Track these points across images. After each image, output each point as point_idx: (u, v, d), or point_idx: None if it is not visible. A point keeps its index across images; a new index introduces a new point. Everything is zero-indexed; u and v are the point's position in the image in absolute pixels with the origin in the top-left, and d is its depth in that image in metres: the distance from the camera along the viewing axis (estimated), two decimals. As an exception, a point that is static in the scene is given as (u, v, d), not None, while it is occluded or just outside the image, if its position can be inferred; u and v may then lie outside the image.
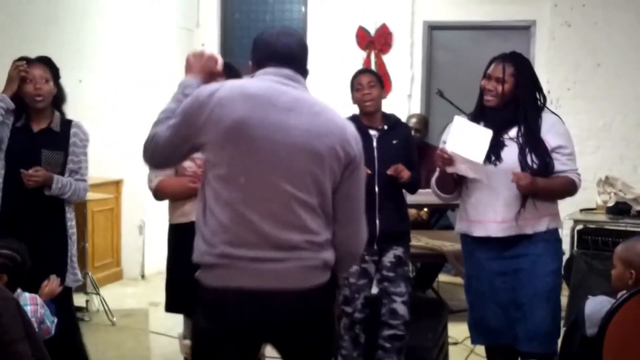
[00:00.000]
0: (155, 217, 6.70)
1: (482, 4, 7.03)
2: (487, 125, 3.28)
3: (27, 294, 3.08)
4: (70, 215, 3.72)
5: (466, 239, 3.44)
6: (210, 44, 7.73)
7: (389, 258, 3.85)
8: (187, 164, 3.39)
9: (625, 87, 6.67)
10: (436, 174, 3.48)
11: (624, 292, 2.80)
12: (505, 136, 3.27)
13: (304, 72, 2.36)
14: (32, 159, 3.54)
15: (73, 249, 3.72)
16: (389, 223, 3.80)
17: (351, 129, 2.32)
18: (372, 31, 7.26)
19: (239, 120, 2.18)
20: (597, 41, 6.72)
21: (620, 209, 5.24)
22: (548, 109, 3.37)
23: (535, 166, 3.19)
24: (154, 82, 6.80)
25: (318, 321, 2.31)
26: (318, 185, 2.22)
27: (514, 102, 3.26)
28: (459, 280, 5.73)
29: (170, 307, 3.59)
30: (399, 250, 3.87)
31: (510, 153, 3.23)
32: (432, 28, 7.31)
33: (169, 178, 3.49)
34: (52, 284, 3.28)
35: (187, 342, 3.41)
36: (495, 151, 3.24)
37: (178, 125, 2.30)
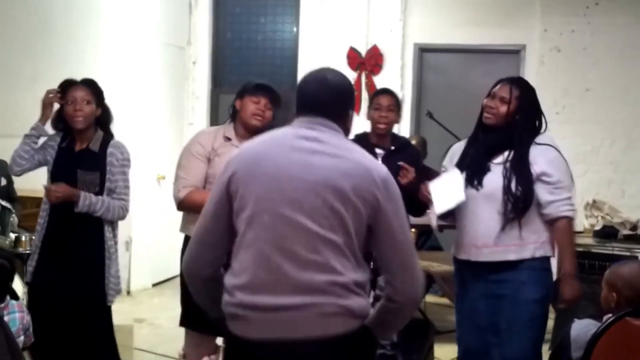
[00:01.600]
0: (142, 233, 6.69)
1: (473, 27, 7.08)
2: (476, 149, 3.31)
3: (14, 302, 3.07)
4: (110, 235, 3.73)
5: (455, 259, 3.45)
6: (201, 62, 7.76)
7: (383, 279, 3.83)
8: (212, 172, 3.45)
9: (614, 112, 6.73)
10: None
11: (610, 315, 2.80)
12: (493, 161, 3.27)
13: (337, 117, 2.31)
14: (68, 179, 3.60)
15: (113, 267, 3.72)
16: None
17: (380, 172, 2.23)
18: (363, 52, 7.30)
19: (262, 163, 2.20)
20: (585, 66, 6.78)
21: (607, 233, 5.26)
22: (537, 142, 3.29)
23: (518, 194, 3.16)
24: (144, 98, 6.81)
25: None
26: (343, 223, 2.16)
27: (512, 126, 3.25)
28: (446, 301, 5.74)
29: (184, 322, 3.61)
30: None
31: (494, 178, 3.22)
32: (423, 50, 7.36)
33: (198, 190, 3.48)
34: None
35: None
36: (478, 176, 3.24)
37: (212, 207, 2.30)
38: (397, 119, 3.99)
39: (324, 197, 2.14)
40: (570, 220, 3.23)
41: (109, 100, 6.52)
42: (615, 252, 5.00)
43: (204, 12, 7.74)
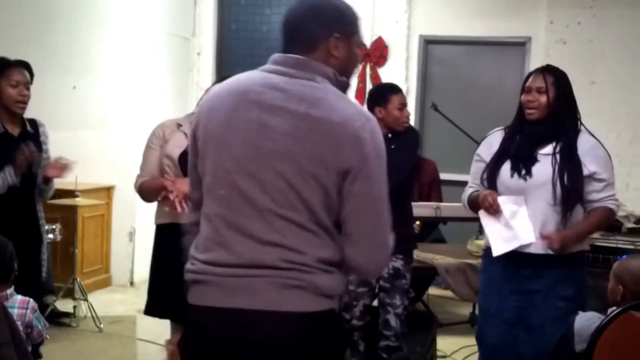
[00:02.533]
0: (146, 224, 6.67)
1: (478, 19, 7.05)
2: (522, 139, 3.23)
3: (18, 297, 3.06)
4: (42, 214, 3.88)
5: (488, 252, 3.33)
6: (206, 53, 7.76)
7: (387, 270, 3.83)
8: (167, 162, 3.48)
9: (619, 105, 6.70)
10: (467, 191, 3.41)
11: (614, 308, 2.79)
12: (540, 152, 3.20)
13: (315, 45, 1.95)
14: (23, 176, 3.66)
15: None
16: None
17: (353, 130, 1.86)
18: (368, 44, 7.28)
19: (220, 123, 1.94)
20: (591, 59, 6.75)
21: (611, 226, 5.23)
22: (585, 130, 3.27)
23: (569, 185, 3.11)
24: (148, 89, 6.81)
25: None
26: (302, 199, 1.87)
27: (554, 115, 3.20)
28: (449, 293, 5.74)
29: (148, 310, 3.61)
30: (397, 262, 3.84)
31: (543, 169, 3.16)
32: (428, 42, 7.33)
33: (147, 179, 3.54)
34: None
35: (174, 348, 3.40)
36: (526, 166, 3.18)
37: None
38: None
39: (278, 169, 1.85)
40: (611, 211, 3.21)
41: (114, 91, 6.57)
42: (620, 246, 4.98)
43: (208, 3, 7.73)
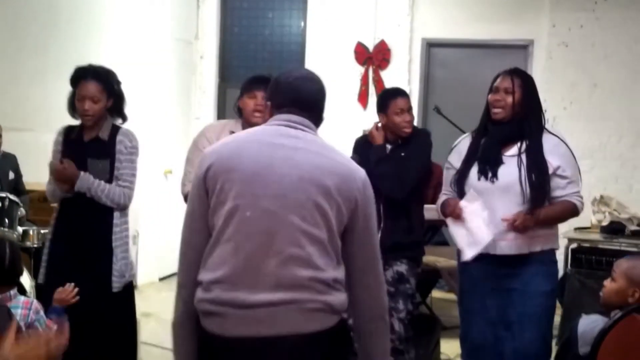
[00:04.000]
0: (149, 227, 6.71)
1: (481, 22, 7.07)
2: (487, 142, 3.30)
3: (22, 297, 3.06)
4: (118, 221, 3.71)
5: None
6: (209, 56, 7.77)
7: (390, 273, 3.82)
8: None
9: (621, 108, 6.71)
10: (441, 199, 3.49)
11: (617, 311, 2.79)
12: (506, 154, 3.26)
13: (318, 119, 2.31)
14: (80, 168, 3.60)
15: (119, 253, 3.69)
16: (391, 235, 3.74)
17: (360, 174, 2.24)
18: (371, 47, 7.29)
19: (243, 157, 2.14)
20: (593, 62, 6.76)
21: (614, 229, 5.25)
22: (548, 130, 3.33)
23: (536, 184, 3.16)
24: (152, 93, 6.82)
25: None
26: (326, 219, 2.12)
27: (520, 116, 3.25)
28: (452, 296, 5.74)
29: None
30: (402, 267, 3.82)
31: (509, 171, 3.21)
32: (431, 45, 7.34)
33: None
34: (62, 293, 3.22)
35: None
36: (492, 168, 3.24)
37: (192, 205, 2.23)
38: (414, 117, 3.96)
39: (308, 192, 2.10)
40: (574, 206, 3.25)
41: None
42: (623, 248, 4.99)
43: (211, 6, 7.75)
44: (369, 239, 2.24)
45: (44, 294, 3.67)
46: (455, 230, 3.35)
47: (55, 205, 3.77)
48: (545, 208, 3.20)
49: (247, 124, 3.53)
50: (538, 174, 3.18)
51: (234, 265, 2.08)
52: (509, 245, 3.22)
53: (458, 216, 3.30)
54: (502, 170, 3.23)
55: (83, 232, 3.63)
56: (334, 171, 2.16)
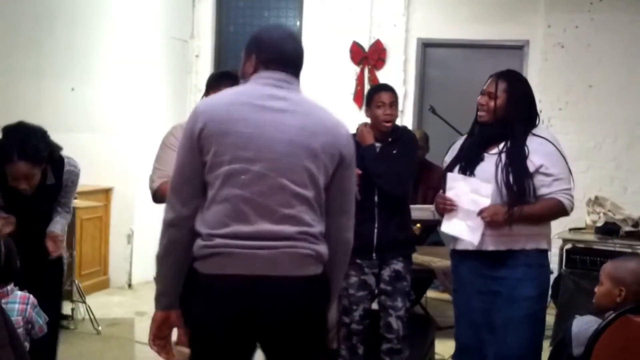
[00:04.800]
0: (144, 226, 6.69)
1: (476, 23, 7.07)
2: (471, 142, 3.32)
3: (19, 292, 3.07)
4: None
5: (453, 253, 3.43)
6: (204, 55, 7.76)
7: (387, 272, 3.84)
8: None
9: (616, 109, 6.72)
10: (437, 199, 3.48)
11: (611, 312, 2.80)
12: (488, 152, 3.27)
13: (299, 74, 2.45)
14: (32, 215, 3.54)
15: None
16: (387, 232, 3.78)
17: (344, 128, 2.43)
18: (366, 47, 7.29)
19: (235, 121, 2.27)
20: (589, 63, 6.77)
21: (609, 229, 5.25)
22: (533, 133, 3.28)
23: (511, 182, 3.15)
24: (147, 91, 6.81)
25: (309, 317, 2.33)
26: (313, 180, 2.31)
27: (504, 119, 3.25)
28: (447, 296, 5.73)
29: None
30: (398, 265, 3.84)
31: (486, 167, 3.22)
32: (426, 45, 7.34)
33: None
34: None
35: (182, 349, 3.41)
36: (471, 166, 3.26)
37: (182, 160, 2.35)
38: (397, 114, 3.94)
39: (297, 155, 2.29)
40: (560, 204, 3.18)
41: (112, 93, 6.56)
42: (617, 249, 5.00)
43: (207, 5, 7.74)
44: (349, 186, 2.45)
45: None
46: (452, 227, 3.31)
47: None
48: (525, 205, 3.15)
49: None
50: (515, 171, 3.15)
51: (232, 225, 2.26)
52: (485, 241, 3.20)
53: (451, 209, 3.29)
54: (480, 167, 3.24)
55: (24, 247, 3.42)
56: (321, 131, 2.34)
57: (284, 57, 2.40)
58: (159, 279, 2.42)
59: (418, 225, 5.87)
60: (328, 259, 2.38)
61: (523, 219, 3.15)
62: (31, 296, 3.09)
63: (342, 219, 2.45)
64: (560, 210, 3.21)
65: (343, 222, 2.45)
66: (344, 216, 2.45)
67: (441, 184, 3.43)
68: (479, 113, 3.33)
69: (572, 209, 3.24)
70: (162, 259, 2.39)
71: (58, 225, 3.66)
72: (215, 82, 3.54)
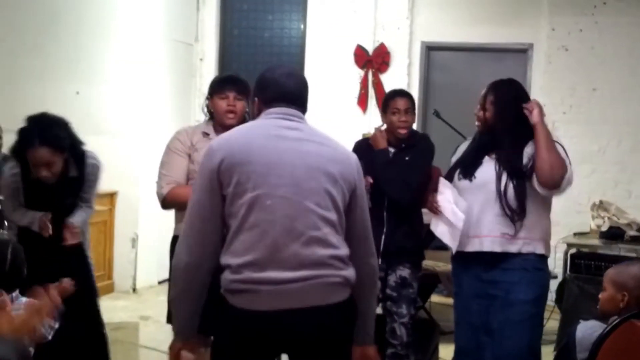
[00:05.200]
0: (148, 230, 6.70)
1: (480, 26, 7.07)
2: (471, 147, 3.39)
3: (23, 299, 3.05)
4: (87, 235, 3.82)
5: (453, 256, 3.45)
6: (208, 59, 7.77)
7: (394, 278, 3.84)
8: (193, 167, 3.38)
9: (621, 112, 6.71)
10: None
11: (616, 317, 2.79)
12: (486, 157, 3.31)
13: (305, 109, 2.52)
14: (50, 208, 3.57)
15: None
16: (394, 238, 3.78)
17: (354, 158, 2.51)
18: (370, 50, 7.30)
19: (254, 151, 2.32)
20: (593, 66, 6.76)
21: (613, 234, 5.25)
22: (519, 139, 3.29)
23: (511, 186, 3.19)
24: (151, 95, 6.82)
25: (334, 342, 2.38)
26: (335, 203, 2.37)
27: (494, 129, 3.30)
28: (451, 301, 5.70)
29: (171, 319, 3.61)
30: (405, 271, 3.84)
31: (486, 170, 3.27)
32: (430, 49, 7.34)
33: (181, 186, 3.41)
34: (63, 284, 3.23)
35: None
36: (471, 168, 3.31)
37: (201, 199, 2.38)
38: (414, 120, 3.94)
39: (318, 179, 2.35)
40: (564, 162, 3.16)
41: (117, 97, 6.57)
42: (622, 254, 4.98)
43: (211, 8, 7.75)
44: (364, 214, 2.51)
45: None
46: (437, 228, 3.39)
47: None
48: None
49: (220, 125, 3.48)
50: (515, 177, 3.19)
51: (261, 250, 2.28)
52: (480, 242, 3.24)
53: (436, 212, 3.36)
54: (480, 170, 3.29)
55: (53, 255, 3.55)
56: (336, 159, 2.42)
57: (285, 94, 2.45)
58: (174, 319, 2.47)
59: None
60: (355, 284, 2.42)
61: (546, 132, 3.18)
62: (36, 302, 3.07)
63: (365, 245, 2.50)
64: (562, 164, 3.15)
65: (366, 248, 2.50)
66: (366, 241, 2.51)
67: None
68: (476, 122, 3.40)
69: (568, 181, 3.17)
70: (178, 303, 2.44)
71: (77, 217, 3.66)
72: (219, 87, 3.52)
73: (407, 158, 3.83)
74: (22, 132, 3.49)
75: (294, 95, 2.47)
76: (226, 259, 2.33)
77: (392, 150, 3.85)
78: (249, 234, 2.29)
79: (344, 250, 2.39)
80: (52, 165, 3.47)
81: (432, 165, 3.93)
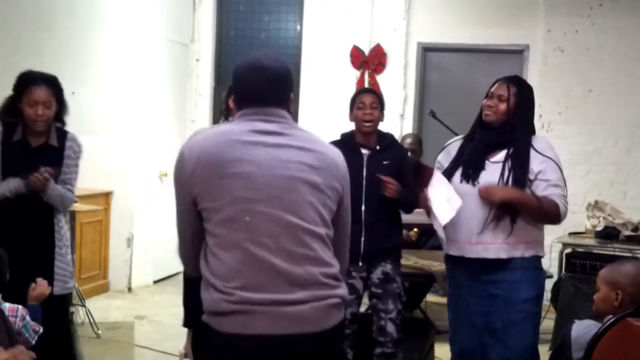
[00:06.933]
0: (144, 230, 6.70)
1: (477, 27, 7.08)
2: (473, 146, 3.32)
3: (7, 305, 3.01)
4: (62, 224, 3.70)
5: (447, 257, 3.45)
6: (205, 59, 7.77)
7: (377, 275, 3.84)
8: None
9: (616, 113, 6.73)
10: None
11: (611, 316, 2.80)
12: (490, 159, 3.27)
13: (282, 103, 2.25)
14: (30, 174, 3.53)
15: (67, 257, 3.70)
16: (374, 242, 3.80)
17: (342, 162, 2.31)
18: (367, 51, 7.30)
19: (226, 164, 2.11)
20: (589, 67, 6.78)
21: (609, 234, 5.26)
22: (534, 146, 3.29)
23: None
24: (147, 95, 6.82)
25: (330, 357, 2.25)
26: (321, 215, 2.18)
27: (509, 124, 3.25)
28: (446, 300, 5.73)
29: (189, 323, 3.69)
30: (387, 267, 3.85)
31: (490, 176, 3.23)
32: (426, 49, 7.35)
33: None
34: (39, 287, 3.21)
35: None
36: (475, 173, 3.26)
37: (181, 204, 2.23)
38: (381, 117, 3.95)
39: (299, 190, 2.14)
40: (555, 204, 3.17)
41: (113, 97, 6.56)
42: (617, 253, 4.99)
43: (207, 9, 7.75)
44: (347, 218, 2.36)
45: None
46: (434, 222, 3.34)
47: None
48: (524, 194, 3.17)
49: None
50: (518, 183, 3.18)
51: (248, 274, 2.09)
52: (484, 249, 3.22)
53: (425, 204, 3.34)
54: (483, 175, 3.25)
55: (24, 232, 3.56)
56: (320, 165, 2.19)
57: (258, 94, 2.22)
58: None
59: (415, 230, 5.88)
60: None
61: (517, 200, 3.15)
62: (20, 308, 3.01)
63: (345, 251, 2.38)
64: (555, 212, 3.20)
65: (345, 253, 2.38)
66: (346, 247, 2.38)
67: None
68: (485, 112, 3.31)
69: (564, 216, 3.23)
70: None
71: (54, 185, 3.58)
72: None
73: (385, 162, 3.84)
74: (23, 74, 3.63)
75: (269, 92, 2.21)
76: (209, 277, 2.13)
77: (365, 152, 3.87)
78: (231, 255, 2.09)
79: (336, 267, 2.22)
80: (48, 107, 3.57)
81: (421, 162, 3.95)
